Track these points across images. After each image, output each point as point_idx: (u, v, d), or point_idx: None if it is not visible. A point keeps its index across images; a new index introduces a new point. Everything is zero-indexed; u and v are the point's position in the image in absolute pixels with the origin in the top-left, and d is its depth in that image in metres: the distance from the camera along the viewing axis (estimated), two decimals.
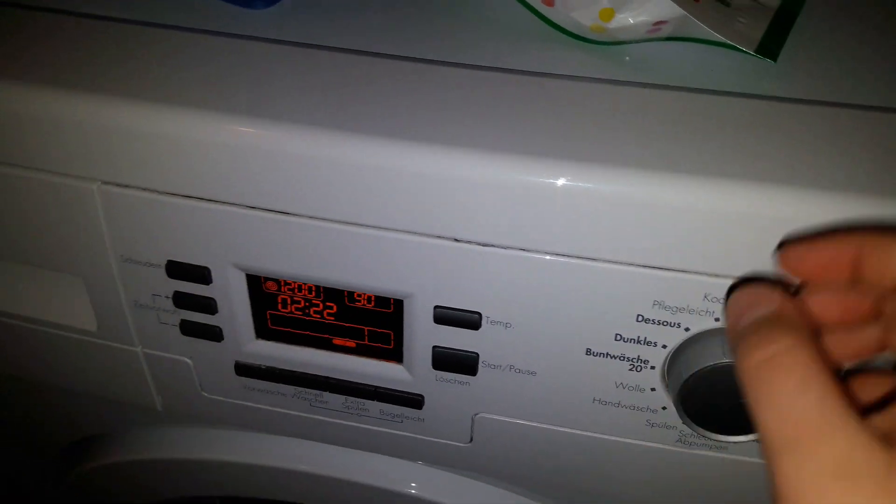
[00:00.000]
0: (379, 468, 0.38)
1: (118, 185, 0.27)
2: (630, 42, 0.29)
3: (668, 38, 0.28)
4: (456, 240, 0.26)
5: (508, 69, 0.28)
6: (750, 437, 0.27)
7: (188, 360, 0.33)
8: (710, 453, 0.30)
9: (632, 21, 0.28)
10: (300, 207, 0.27)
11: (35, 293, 0.34)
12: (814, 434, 0.15)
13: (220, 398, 0.34)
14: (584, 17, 0.29)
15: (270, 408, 0.34)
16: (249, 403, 0.34)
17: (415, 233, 0.26)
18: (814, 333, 0.18)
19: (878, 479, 0.15)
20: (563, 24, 0.29)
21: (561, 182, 0.24)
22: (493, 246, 0.26)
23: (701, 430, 0.27)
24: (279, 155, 0.25)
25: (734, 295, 0.20)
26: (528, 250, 0.26)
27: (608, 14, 0.29)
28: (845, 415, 0.15)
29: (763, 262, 0.23)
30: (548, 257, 0.26)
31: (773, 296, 0.19)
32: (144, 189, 0.27)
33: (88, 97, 0.26)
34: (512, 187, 0.24)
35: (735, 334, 0.18)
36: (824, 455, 0.15)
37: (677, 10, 0.27)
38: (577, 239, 0.25)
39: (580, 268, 0.25)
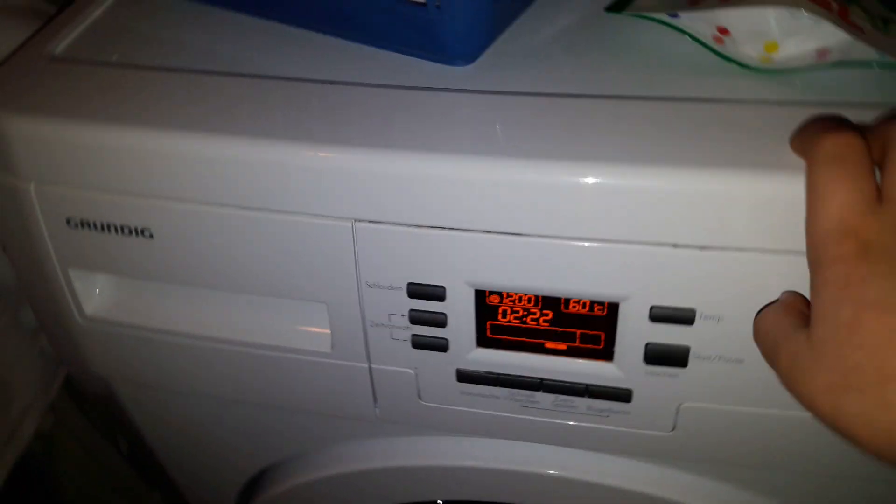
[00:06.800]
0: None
1: (370, 221, 0.32)
2: (798, 70, 0.32)
3: (835, 65, 0.31)
4: (675, 245, 0.30)
5: (691, 97, 0.32)
6: None
7: (411, 371, 0.37)
8: None
9: (796, 51, 0.32)
10: (530, 228, 0.31)
11: (277, 322, 0.39)
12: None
13: (436, 405, 0.39)
14: (752, 50, 0.33)
15: (483, 411, 0.38)
16: (463, 408, 0.38)
17: (637, 242, 0.30)
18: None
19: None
20: (734, 57, 0.33)
21: (773, 189, 0.27)
22: (711, 248, 0.29)
23: None
24: (516, 184, 0.30)
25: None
26: (742, 249, 0.29)
27: (773, 46, 0.32)
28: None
29: None
30: (760, 255, 0.29)
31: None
32: (392, 223, 0.32)
33: (350, 150, 0.31)
34: (727, 195, 0.28)
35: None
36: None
37: (841, 36, 0.30)
38: (786, 235, 0.28)
39: (790, 263, 0.29)
